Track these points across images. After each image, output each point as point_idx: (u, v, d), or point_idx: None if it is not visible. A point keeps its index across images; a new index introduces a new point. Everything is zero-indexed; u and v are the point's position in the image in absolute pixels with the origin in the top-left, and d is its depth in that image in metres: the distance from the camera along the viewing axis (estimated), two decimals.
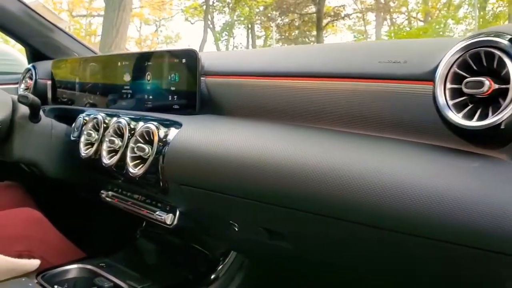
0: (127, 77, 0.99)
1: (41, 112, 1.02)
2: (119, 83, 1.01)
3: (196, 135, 0.72)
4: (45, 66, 1.31)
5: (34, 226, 0.99)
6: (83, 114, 1.01)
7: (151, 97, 0.93)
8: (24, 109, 1.00)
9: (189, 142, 0.72)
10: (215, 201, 0.69)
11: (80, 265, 0.91)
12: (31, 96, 0.93)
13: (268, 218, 0.66)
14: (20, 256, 0.87)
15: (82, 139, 0.96)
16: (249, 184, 0.62)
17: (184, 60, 0.85)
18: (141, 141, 0.80)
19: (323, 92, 0.66)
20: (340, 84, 0.64)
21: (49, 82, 1.29)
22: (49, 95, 1.28)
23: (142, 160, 0.79)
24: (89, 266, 0.91)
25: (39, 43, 1.39)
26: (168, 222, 0.79)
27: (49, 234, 1.00)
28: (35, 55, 1.42)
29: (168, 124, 0.79)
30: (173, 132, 0.76)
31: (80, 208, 1.25)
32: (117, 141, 0.85)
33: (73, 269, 0.90)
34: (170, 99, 0.88)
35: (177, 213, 0.79)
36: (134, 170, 0.79)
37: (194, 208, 0.77)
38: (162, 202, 0.83)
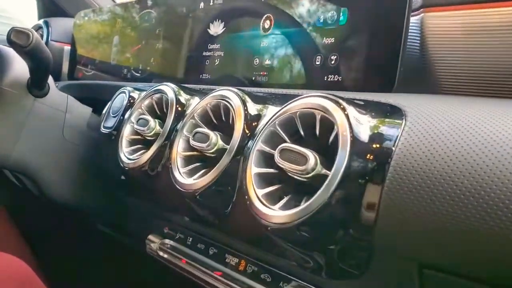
0: (216, 28, 0.54)
1: (50, 80, 0.57)
2: (199, 41, 0.56)
3: (449, 140, 0.26)
4: (62, 24, 0.88)
5: None
6: (129, 88, 0.55)
7: (268, 61, 0.47)
8: (20, 69, 0.54)
9: (445, 155, 0.25)
10: None
11: None
12: (34, 33, 0.47)
13: None
14: None
15: (126, 132, 0.49)
16: None
17: None
18: (292, 138, 0.33)
19: None
20: None
21: (66, 47, 0.84)
22: (66, 66, 0.83)
23: (297, 186, 0.32)
24: None
25: None
26: None
27: None
28: (48, 11, 0.97)
29: (363, 105, 0.32)
30: (392, 128, 0.29)
31: (98, 257, 0.75)
32: (215, 139, 0.38)
33: None
34: (318, 63, 0.42)
35: None
36: (274, 210, 0.31)
37: None
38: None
